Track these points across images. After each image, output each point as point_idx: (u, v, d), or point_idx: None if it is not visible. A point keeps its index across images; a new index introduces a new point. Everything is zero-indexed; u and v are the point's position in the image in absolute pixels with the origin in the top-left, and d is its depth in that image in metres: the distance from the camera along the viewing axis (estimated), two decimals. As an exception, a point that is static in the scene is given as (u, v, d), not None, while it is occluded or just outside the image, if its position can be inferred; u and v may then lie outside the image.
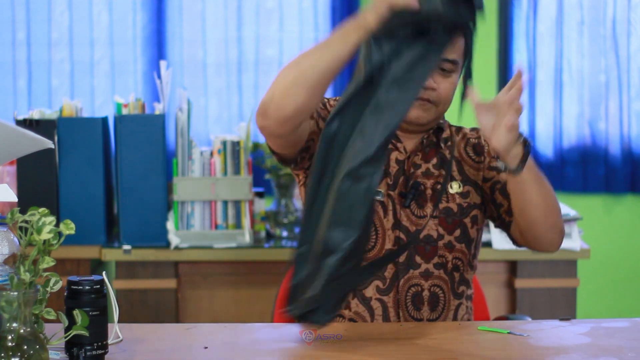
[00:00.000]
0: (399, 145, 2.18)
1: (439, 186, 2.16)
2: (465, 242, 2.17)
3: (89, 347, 1.69)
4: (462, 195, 2.17)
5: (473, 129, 2.27)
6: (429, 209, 2.15)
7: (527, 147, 1.92)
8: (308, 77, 1.85)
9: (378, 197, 2.12)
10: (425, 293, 2.11)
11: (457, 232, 2.15)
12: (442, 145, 2.20)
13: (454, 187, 2.17)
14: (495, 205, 2.17)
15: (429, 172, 2.18)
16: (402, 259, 2.12)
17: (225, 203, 3.24)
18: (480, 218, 2.20)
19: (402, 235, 2.12)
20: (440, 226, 2.14)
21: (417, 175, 2.17)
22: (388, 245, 2.12)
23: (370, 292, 2.11)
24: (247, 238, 3.21)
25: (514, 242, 2.19)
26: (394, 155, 2.17)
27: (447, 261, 2.14)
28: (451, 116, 2.21)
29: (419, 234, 2.11)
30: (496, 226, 2.23)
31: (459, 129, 2.27)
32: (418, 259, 2.13)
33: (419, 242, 2.12)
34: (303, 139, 2.06)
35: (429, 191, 2.16)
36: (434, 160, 2.19)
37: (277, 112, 1.88)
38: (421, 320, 2.10)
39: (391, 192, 2.15)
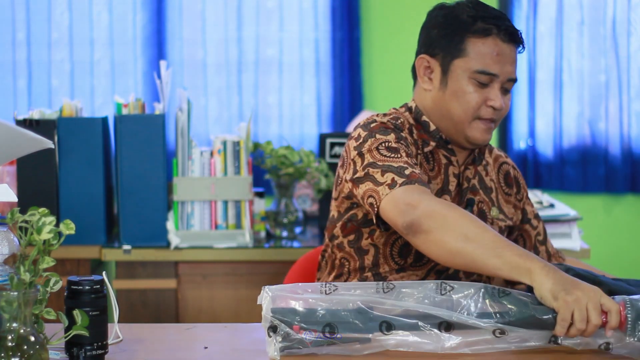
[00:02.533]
0: (453, 159, 2.16)
1: (484, 206, 2.17)
2: None
3: (89, 347, 1.69)
4: (501, 220, 2.20)
5: (500, 150, 2.32)
6: None
7: None
8: (461, 256, 1.82)
9: None
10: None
11: None
12: (481, 161, 2.21)
13: (494, 213, 2.19)
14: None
15: (475, 188, 2.18)
16: (451, 271, 2.12)
17: (225, 203, 3.24)
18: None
19: None
20: None
21: (467, 188, 2.17)
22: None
23: None
24: (247, 238, 3.21)
25: None
26: (451, 169, 2.15)
27: (481, 278, 2.16)
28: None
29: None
30: None
31: (491, 148, 2.28)
32: (461, 273, 2.14)
33: None
34: None
35: (475, 208, 2.17)
36: (477, 178, 2.20)
37: (423, 243, 1.87)
38: None
39: None
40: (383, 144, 2.02)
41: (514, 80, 2.10)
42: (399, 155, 1.99)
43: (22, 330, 1.52)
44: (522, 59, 4.35)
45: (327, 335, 1.73)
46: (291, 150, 3.42)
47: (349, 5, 4.25)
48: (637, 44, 4.34)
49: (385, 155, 1.99)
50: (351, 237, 2.15)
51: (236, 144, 3.24)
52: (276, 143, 3.99)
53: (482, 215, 2.15)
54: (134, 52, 4.22)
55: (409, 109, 2.17)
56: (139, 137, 3.19)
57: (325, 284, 1.76)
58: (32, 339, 1.52)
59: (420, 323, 1.72)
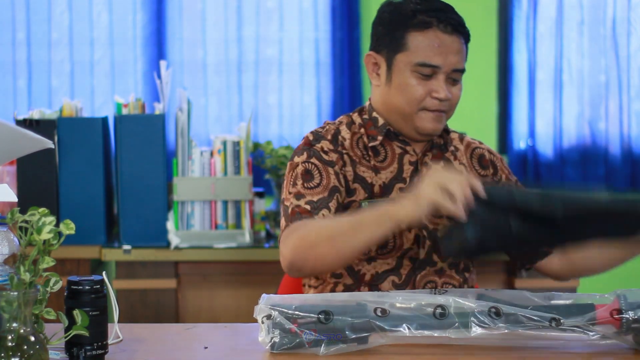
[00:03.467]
0: (408, 148, 2.20)
1: None
2: None
3: (89, 347, 1.69)
4: None
5: (476, 140, 2.32)
6: None
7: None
8: (342, 253, 1.98)
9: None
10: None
11: None
12: (445, 148, 2.24)
13: None
14: None
15: None
16: (422, 255, 2.15)
17: (225, 203, 3.24)
18: None
19: (423, 233, 2.15)
20: None
21: None
22: (407, 245, 2.15)
23: (386, 286, 2.13)
24: (247, 238, 3.21)
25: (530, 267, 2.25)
26: (406, 158, 2.20)
27: (459, 262, 2.19)
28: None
29: (436, 232, 2.15)
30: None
31: (462, 136, 2.30)
32: (435, 257, 2.16)
33: (436, 240, 2.15)
34: None
35: None
36: (441, 164, 2.21)
37: (314, 271, 2.09)
38: None
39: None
40: (291, 173, 2.15)
41: (461, 71, 2.16)
42: (298, 183, 2.12)
43: (22, 330, 1.51)
44: (522, 59, 4.36)
45: (324, 321, 1.74)
46: (291, 150, 3.42)
47: (349, 5, 4.25)
48: (637, 44, 4.34)
49: (291, 184, 2.13)
50: None
51: (236, 144, 3.24)
52: (276, 143, 3.99)
53: None
54: (134, 52, 4.22)
55: (362, 109, 2.27)
56: (139, 137, 3.19)
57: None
58: (32, 339, 1.52)
59: (414, 308, 1.76)
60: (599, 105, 4.36)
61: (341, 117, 2.28)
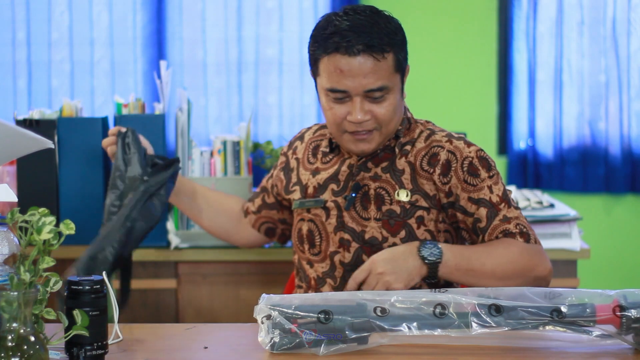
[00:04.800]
0: (350, 153, 2.21)
1: (383, 191, 2.17)
2: None
3: (89, 347, 1.69)
4: (409, 203, 2.16)
5: (448, 139, 2.19)
6: (372, 211, 2.17)
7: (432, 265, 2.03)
8: None
9: (319, 205, 2.21)
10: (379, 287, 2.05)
11: (402, 234, 2.15)
12: (397, 150, 2.19)
13: (401, 196, 2.16)
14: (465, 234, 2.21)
15: (377, 176, 2.18)
16: (347, 259, 2.17)
17: (225, 203, 3.24)
18: (431, 218, 2.16)
19: (347, 237, 2.17)
20: (383, 228, 2.15)
21: (365, 177, 2.19)
22: (332, 248, 2.20)
23: (327, 289, 2.20)
24: (247, 238, 3.21)
25: None
26: (347, 161, 2.22)
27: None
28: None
29: (363, 235, 2.16)
30: None
31: (431, 134, 2.21)
32: (365, 258, 2.15)
33: (364, 242, 2.16)
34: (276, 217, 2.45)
35: (372, 192, 2.17)
36: (384, 164, 2.19)
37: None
38: None
39: (336, 198, 2.20)
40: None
41: (379, 89, 2.06)
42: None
43: (22, 330, 1.52)
44: (522, 59, 4.36)
45: (324, 321, 1.74)
46: (291, 150, 3.41)
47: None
48: (637, 44, 4.34)
49: None
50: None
51: (236, 144, 3.24)
52: (276, 143, 3.99)
53: (382, 199, 2.16)
54: (134, 52, 4.22)
55: None
56: (139, 137, 3.18)
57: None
58: (32, 339, 1.52)
59: (414, 307, 1.76)
60: (599, 105, 4.36)
61: None
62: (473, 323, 1.73)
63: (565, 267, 3.35)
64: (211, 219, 2.53)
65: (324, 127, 2.34)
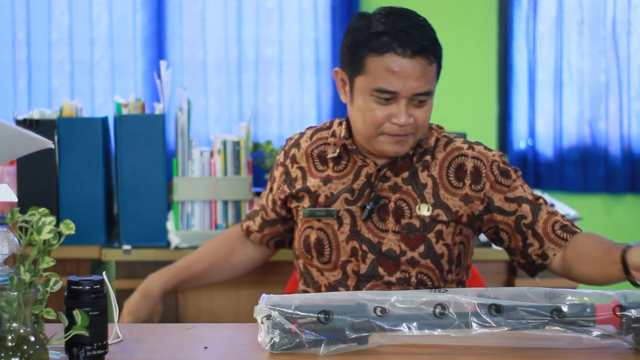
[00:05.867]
0: (367, 160, 2.17)
1: (403, 204, 2.14)
2: (431, 258, 2.14)
3: (89, 347, 1.69)
4: (430, 217, 2.14)
5: (470, 146, 2.19)
6: (390, 223, 2.14)
7: None
8: None
9: (332, 216, 2.17)
10: None
11: (421, 248, 2.13)
12: (416, 159, 2.16)
13: (423, 210, 2.14)
14: (524, 244, 2.14)
15: (397, 186, 2.15)
16: (363, 270, 2.14)
17: (225, 203, 3.24)
18: (449, 232, 2.14)
19: (362, 247, 2.14)
20: (402, 242, 2.13)
21: (384, 188, 2.15)
22: (344, 257, 2.16)
23: None
24: (247, 238, 3.21)
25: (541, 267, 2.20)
26: (364, 170, 2.17)
27: (410, 276, 2.13)
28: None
29: (380, 246, 2.13)
30: (515, 261, 2.20)
31: (450, 141, 2.19)
32: (381, 270, 2.13)
33: (381, 254, 2.13)
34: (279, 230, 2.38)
35: (391, 205, 2.14)
36: (405, 174, 2.15)
37: None
38: None
39: (350, 207, 2.16)
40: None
41: (426, 94, 2.05)
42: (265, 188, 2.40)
43: (22, 330, 1.51)
44: (522, 59, 4.36)
45: (324, 321, 1.74)
46: (291, 150, 3.41)
47: (349, 5, 4.25)
48: (637, 44, 4.34)
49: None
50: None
51: (236, 144, 3.24)
52: (276, 143, 3.99)
53: (401, 212, 2.13)
54: (134, 52, 4.22)
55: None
56: (139, 137, 3.19)
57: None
58: (32, 339, 1.52)
59: (414, 307, 1.76)
60: (599, 105, 4.36)
61: (331, 120, 2.30)
62: (473, 323, 1.73)
63: (565, 267, 3.34)
64: (214, 276, 2.56)
65: (319, 130, 2.28)
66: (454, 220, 2.14)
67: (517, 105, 4.38)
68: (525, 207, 2.12)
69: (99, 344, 1.70)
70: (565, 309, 1.74)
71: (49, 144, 1.70)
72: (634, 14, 4.32)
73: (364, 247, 2.14)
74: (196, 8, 4.25)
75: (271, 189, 2.34)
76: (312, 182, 2.22)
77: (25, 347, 1.51)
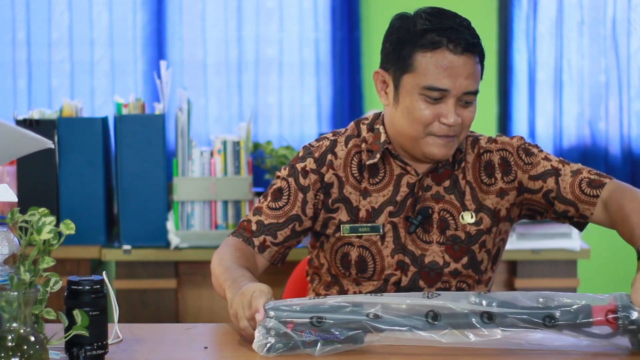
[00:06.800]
0: (408, 168, 2.11)
1: (447, 214, 2.11)
2: (473, 267, 2.12)
3: (89, 347, 1.69)
4: (475, 224, 2.11)
5: (491, 140, 2.19)
6: (435, 235, 2.10)
7: None
8: (217, 291, 2.07)
9: (377, 232, 2.09)
10: None
11: (465, 260, 2.11)
12: (457, 166, 2.12)
13: (466, 218, 2.11)
14: (558, 213, 2.13)
15: (439, 195, 2.11)
16: (404, 283, 2.10)
17: (225, 203, 3.24)
18: (491, 239, 2.13)
19: (406, 260, 2.10)
20: (446, 253, 2.10)
21: (426, 198, 2.10)
22: (388, 271, 2.10)
23: None
24: (247, 238, 3.21)
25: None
26: (405, 179, 2.11)
27: (450, 286, 2.12)
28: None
29: (422, 258, 2.10)
30: (562, 221, 2.19)
31: (475, 141, 2.17)
32: (422, 283, 2.11)
33: (422, 267, 2.10)
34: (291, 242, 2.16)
35: (435, 216, 2.10)
36: (446, 183, 2.12)
37: None
38: None
39: (394, 219, 2.11)
40: (271, 184, 2.18)
41: (474, 93, 2.03)
42: (266, 199, 2.15)
43: (22, 330, 1.52)
44: (522, 59, 4.36)
45: (316, 324, 1.74)
46: (291, 150, 3.42)
47: (349, 5, 4.25)
48: (637, 44, 4.34)
49: (263, 196, 2.18)
50: (314, 252, 2.23)
51: (236, 144, 3.24)
52: (276, 143, 3.99)
53: (446, 223, 2.10)
54: (134, 52, 4.22)
55: (378, 116, 2.16)
56: (139, 137, 3.19)
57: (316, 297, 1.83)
58: (32, 339, 1.52)
59: (406, 313, 1.75)
60: (599, 105, 4.36)
61: (351, 123, 2.19)
62: (466, 330, 1.73)
63: (565, 267, 3.35)
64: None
65: (351, 137, 2.15)
66: (494, 219, 2.12)
67: (517, 105, 4.38)
68: (550, 181, 2.11)
69: (99, 344, 1.70)
70: (558, 314, 1.73)
71: (49, 144, 1.70)
72: (634, 14, 4.32)
73: (407, 260, 2.10)
74: (196, 8, 4.25)
75: (304, 201, 2.13)
76: (350, 194, 2.13)
77: (25, 347, 1.51)
